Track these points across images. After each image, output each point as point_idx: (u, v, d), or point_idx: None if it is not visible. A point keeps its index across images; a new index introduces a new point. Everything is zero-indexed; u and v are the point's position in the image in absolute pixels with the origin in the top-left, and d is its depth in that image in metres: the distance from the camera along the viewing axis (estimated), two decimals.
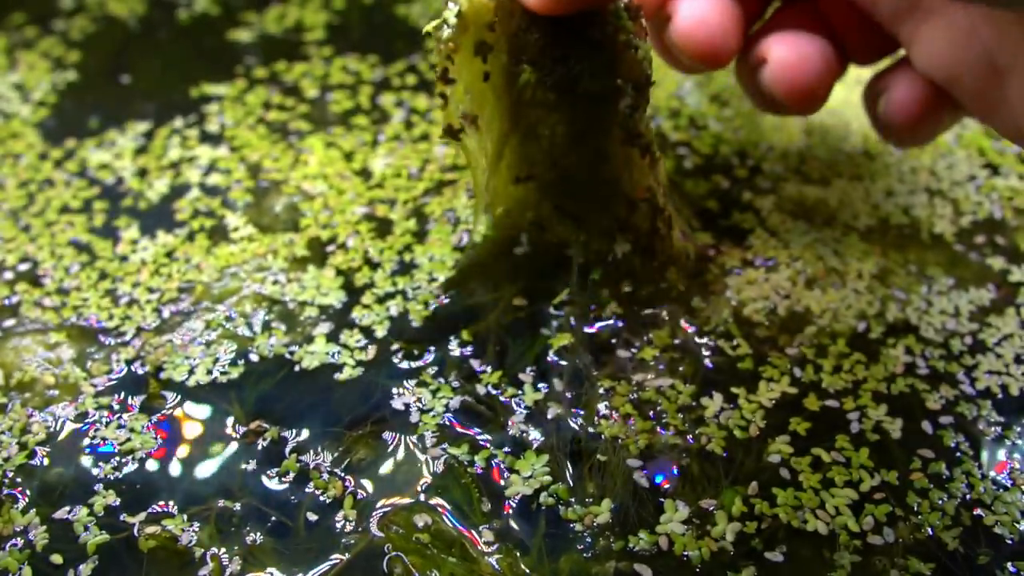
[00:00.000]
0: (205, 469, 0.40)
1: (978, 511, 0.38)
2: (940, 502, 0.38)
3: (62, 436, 0.41)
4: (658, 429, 0.40)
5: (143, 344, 0.44)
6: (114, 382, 0.43)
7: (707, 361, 0.42)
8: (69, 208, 0.52)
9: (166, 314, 0.46)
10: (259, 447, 0.40)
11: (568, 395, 0.41)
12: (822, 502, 0.38)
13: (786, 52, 0.36)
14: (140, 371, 0.43)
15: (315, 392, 0.42)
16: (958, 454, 0.40)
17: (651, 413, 0.40)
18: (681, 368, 0.42)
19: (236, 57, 0.61)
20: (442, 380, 0.42)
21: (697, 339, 0.43)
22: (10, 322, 0.46)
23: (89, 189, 0.53)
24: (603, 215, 0.41)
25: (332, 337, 0.44)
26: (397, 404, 0.41)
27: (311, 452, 0.40)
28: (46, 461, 0.40)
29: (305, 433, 0.41)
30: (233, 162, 0.54)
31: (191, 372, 0.43)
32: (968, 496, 0.38)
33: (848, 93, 0.55)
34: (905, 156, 0.52)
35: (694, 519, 0.37)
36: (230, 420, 0.41)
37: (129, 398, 0.42)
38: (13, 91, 0.59)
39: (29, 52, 0.62)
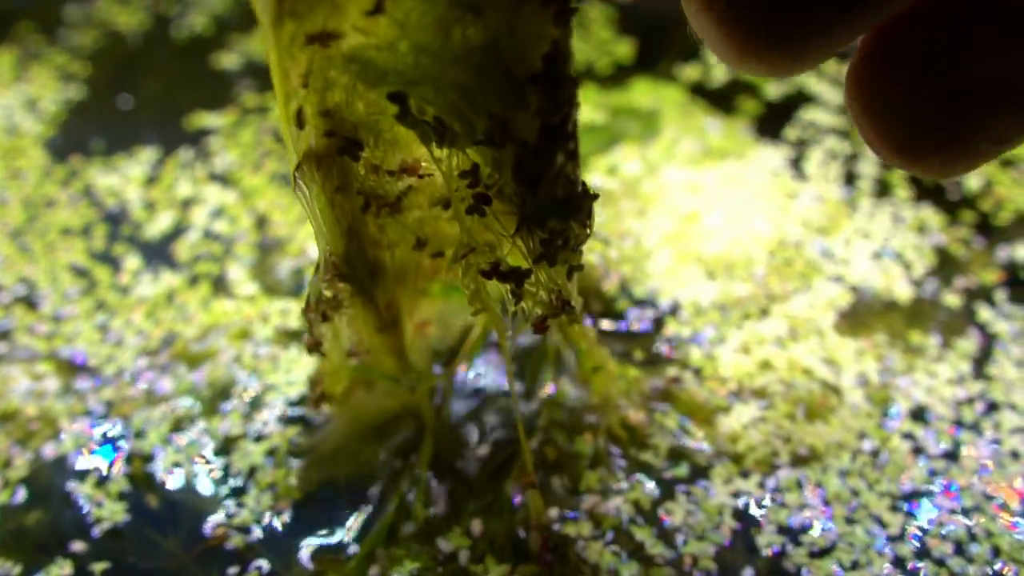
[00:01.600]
0: (179, 553, 0.40)
1: None
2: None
3: (41, 475, 0.42)
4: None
5: (116, 391, 0.45)
6: (92, 427, 0.44)
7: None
8: (70, 230, 0.53)
9: (142, 362, 0.46)
10: (219, 556, 0.40)
11: None
12: None
13: None
14: (111, 420, 0.44)
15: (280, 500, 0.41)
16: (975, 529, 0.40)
17: None
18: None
19: (227, 82, 0.61)
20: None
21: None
22: (2, 348, 0.47)
23: (92, 211, 0.54)
24: None
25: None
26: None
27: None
28: (26, 501, 0.41)
29: (273, 551, 0.40)
30: (240, 209, 0.54)
31: (156, 442, 0.43)
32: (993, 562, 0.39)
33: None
34: (829, 231, 0.52)
35: None
36: (193, 505, 0.41)
37: (103, 448, 0.43)
38: (23, 105, 0.60)
39: (39, 65, 0.62)
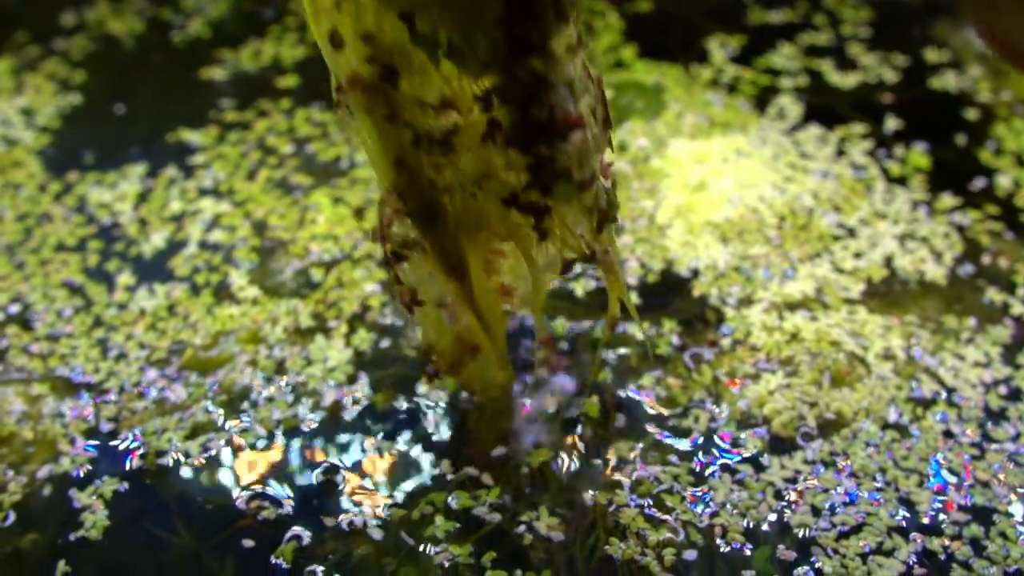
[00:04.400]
0: (197, 548, 0.38)
1: None
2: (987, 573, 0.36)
3: (38, 499, 0.40)
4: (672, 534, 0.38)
5: (122, 406, 0.43)
6: (96, 443, 0.41)
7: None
8: (65, 246, 0.50)
9: (151, 375, 0.44)
10: (255, 530, 0.38)
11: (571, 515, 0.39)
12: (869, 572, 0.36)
13: None
14: (119, 435, 0.42)
15: (312, 477, 0.40)
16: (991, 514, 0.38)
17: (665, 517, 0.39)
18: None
19: (212, 95, 0.59)
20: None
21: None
22: None
23: (86, 227, 0.51)
24: None
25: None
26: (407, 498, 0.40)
27: (308, 541, 0.38)
28: (21, 525, 0.39)
29: (304, 521, 0.39)
30: (236, 218, 0.52)
31: (176, 444, 0.41)
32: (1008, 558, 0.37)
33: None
34: (844, 208, 0.50)
35: None
36: (221, 497, 0.40)
37: (108, 462, 0.41)
38: (19, 116, 0.58)
39: (35, 74, 0.60)
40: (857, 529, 0.38)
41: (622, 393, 0.43)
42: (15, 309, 0.47)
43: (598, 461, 0.40)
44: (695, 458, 0.40)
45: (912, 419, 0.41)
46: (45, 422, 0.42)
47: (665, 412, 0.42)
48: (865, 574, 0.36)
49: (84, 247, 0.50)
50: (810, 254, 0.48)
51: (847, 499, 0.38)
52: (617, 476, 0.40)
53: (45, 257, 0.50)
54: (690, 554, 0.37)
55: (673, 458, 0.40)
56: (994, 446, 0.40)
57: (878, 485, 0.39)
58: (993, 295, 0.46)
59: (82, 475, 0.40)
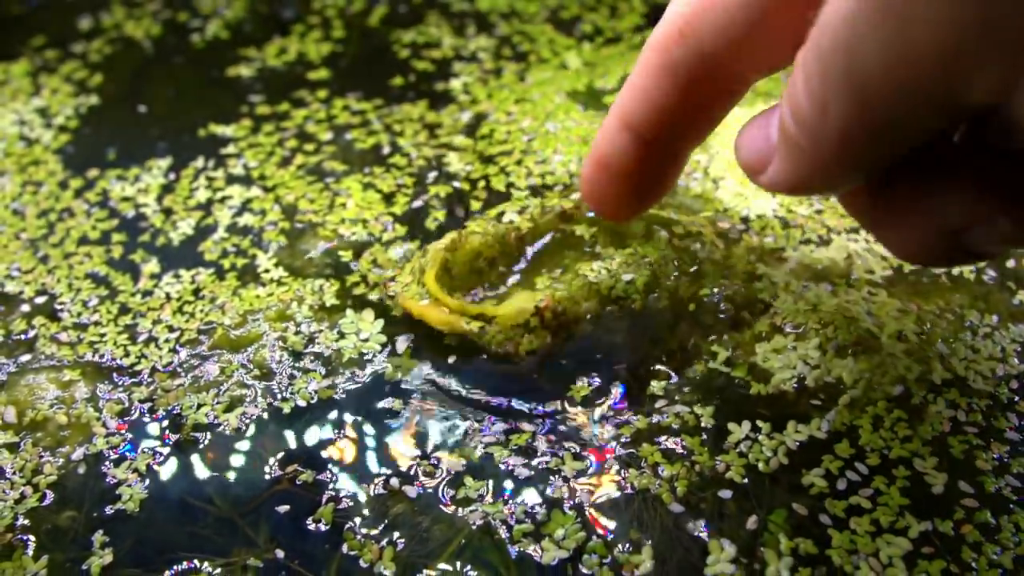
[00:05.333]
0: (232, 516, 0.39)
1: None
2: (995, 556, 0.37)
3: (75, 479, 0.40)
4: (686, 471, 0.39)
5: (156, 386, 0.43)
6: (129, 423, 0.42)
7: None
8: (88, 239, 0.51)
9: (183, 355, 0.45)
10: (294, 494, 0.39)
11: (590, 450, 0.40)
12: (877, 550, 0.37)
13: None
14: (153, 414, 0.42)
15: (348, 443, 0.41)
16: (1007, 504, 0.38)
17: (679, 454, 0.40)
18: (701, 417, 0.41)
19: (240, 91, 0.60)
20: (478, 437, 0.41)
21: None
22: (25, 357, 0.45)
23: (109, 221, 0.52)
24: None
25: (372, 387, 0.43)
26: (438, 458, 0.41)
27: (347, 502, 0.39)
28: (59, 504, 0.39)
29: (341, 484, 0.40)
30: (267, 202, 0.53)
31: (213, 417, 0.42)
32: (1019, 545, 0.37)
33: None
34: None
35: (742, 558, 0.36)
36: (259, 466, 0.40)
37: (143, 440, 0.41)
38: (37, 116, 0.59)
39: (52, 76, 0.61)
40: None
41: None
42: (41, 301, 0.48)
43: (620, 405, 0.42)
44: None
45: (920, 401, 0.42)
46: (78, 406, 0.43)
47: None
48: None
49: (108, 240, 0.51)
50: (848, 227, 0.50)
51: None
52: (635, 416, 0.41)
53: (68, 250, 0.50)
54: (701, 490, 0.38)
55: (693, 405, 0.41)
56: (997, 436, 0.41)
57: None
58: (1023, 297, 0.47)
59: (117, 453, 0.41)
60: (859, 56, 0.24)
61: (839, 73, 0.25)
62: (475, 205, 0.52)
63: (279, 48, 0.63)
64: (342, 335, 0.45)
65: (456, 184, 0.53)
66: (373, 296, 0.47)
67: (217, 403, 0.43)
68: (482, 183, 0.53)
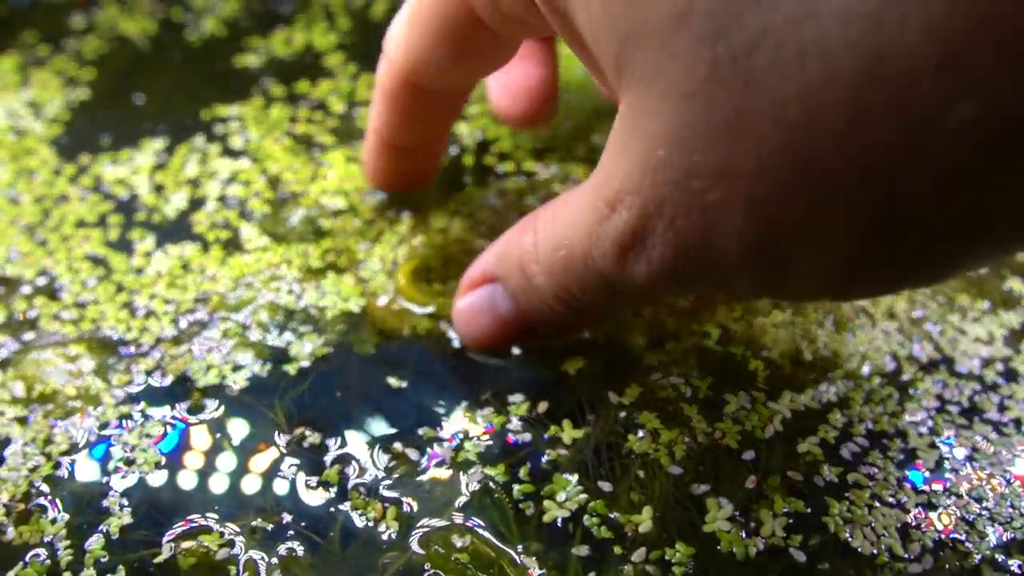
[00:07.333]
0: (241, 479, 0.40)
1: None
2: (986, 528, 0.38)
3: (87, 447, 0.42)
4: (684, 436, 0.40)
5: (163, 355, 0.45)
6: (137, 392, 0.44)
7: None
8: (85, 222, 0.52)
9: (184, 324, 0.46)
10: (300, 456, 0.41)
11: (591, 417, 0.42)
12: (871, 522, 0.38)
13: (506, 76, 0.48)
14: (162, 381, 0.44)
15: (356, 402, 0.43)
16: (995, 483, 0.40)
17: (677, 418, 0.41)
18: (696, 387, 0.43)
19: (249, 79, 0.62)
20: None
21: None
22: (30, 335, 0.47)
23: (104, 204, 0.54)
24: None
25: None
26: (439, 421, 0.42)
27: (352, 464, 0.40)
28: (72, 472, 0.41)
29: (347, 443, 0.41)
30: (254, 173, 0.55)
31: (221, 379, 0.44)
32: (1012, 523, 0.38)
33: None
34: None
35: (738, 516, 0.38)
36: (266, 429, 0.42)
37: (152, 408, 0.43)
38: (26, 108, 0.60)
39: (41, 70, 0.63)
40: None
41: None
42: (42, 282, 0.49)
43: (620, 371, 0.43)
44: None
45: (911, 377, 0.43)
46: (86, 378, 0.44)
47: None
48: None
49: (104, 222, 0.52)
50: None
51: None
52: (633, 386, 0.43)
53: (66, 234, 0.52)
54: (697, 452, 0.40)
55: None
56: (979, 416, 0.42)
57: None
58: (1014, 284, 0.48)
59: (128, 420, 0.42)
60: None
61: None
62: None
63: (285, 38, 0.65)
64: (334, 295, 0.47)
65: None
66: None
67: (224, 363, 0.44)
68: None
